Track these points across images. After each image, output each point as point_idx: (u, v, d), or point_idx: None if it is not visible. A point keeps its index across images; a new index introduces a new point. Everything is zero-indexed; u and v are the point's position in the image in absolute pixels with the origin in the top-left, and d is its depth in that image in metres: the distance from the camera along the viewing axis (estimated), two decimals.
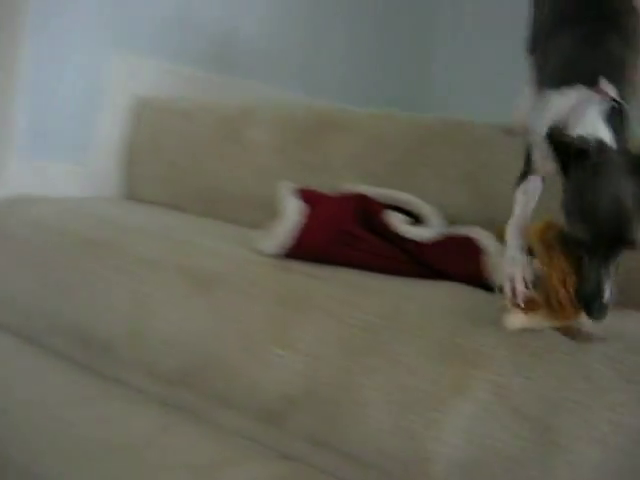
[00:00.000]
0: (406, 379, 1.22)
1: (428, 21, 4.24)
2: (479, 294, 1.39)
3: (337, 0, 3.59)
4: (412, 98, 3.86)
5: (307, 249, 1.50)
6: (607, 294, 1.04)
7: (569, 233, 1.09)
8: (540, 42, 1.49)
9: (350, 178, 1.94)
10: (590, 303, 1.05)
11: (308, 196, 1.64)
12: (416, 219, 1.67)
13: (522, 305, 1.17)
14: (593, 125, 1.12)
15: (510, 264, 1.23)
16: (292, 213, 1.51)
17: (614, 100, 1.16)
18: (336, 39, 3.62)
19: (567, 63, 1.30)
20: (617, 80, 1.21)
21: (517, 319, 1.17)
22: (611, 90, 1.18)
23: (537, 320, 1.17)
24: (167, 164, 2.39)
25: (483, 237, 1.54)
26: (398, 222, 1.56)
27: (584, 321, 1.15)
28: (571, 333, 1.17)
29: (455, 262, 1.51)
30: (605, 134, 1.11)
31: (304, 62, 3.43)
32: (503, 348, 1.16)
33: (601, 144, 1.09)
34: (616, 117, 1.15)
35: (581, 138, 1.09)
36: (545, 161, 1.21)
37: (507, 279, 1.21)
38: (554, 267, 1.14)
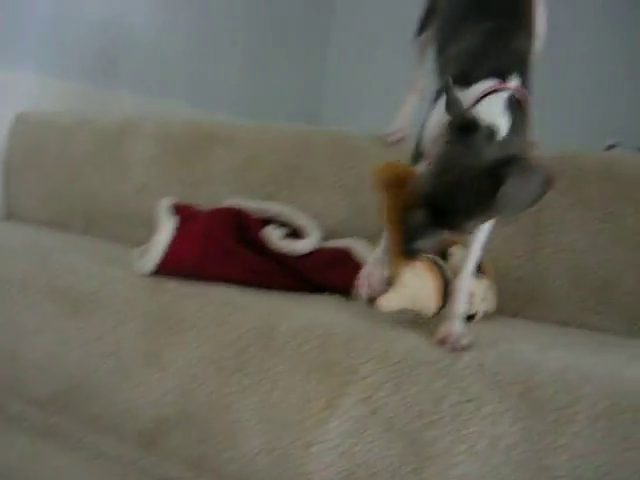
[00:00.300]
0: (280, 398, 1.20)
1: (321, 35, 4.26)
2: (355, 307, 1.38)
3: (227, 11, 3.57)
4: (303, 111, 3.87)
5: (178, 266, 1.47)
6: (423, 244, 1.15)
7: (416, 184, 1.15)
8: (440, 41, 1.49)
9: (230, 192, 1.93)
10: (406, 243, 1.16)
11: (185, 212, 1.61)
12: (295, 231, 1.65)
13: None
14: (493, 113, 1.15)
15: (372, 263, 1.32)
16: (166, 230, 1.48)
17: (516, 93, 1.19)
18: (226, 51, 3.60)
19: (474, 59, 1.31)
20: (523, 74, 1.24)
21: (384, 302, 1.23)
22: (516, 84, 1.21)
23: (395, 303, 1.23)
24: (47, 181, 2.32)
25: (361, 248, 1.54)
26: (275, 236, 1.55)
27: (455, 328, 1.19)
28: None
29: (333, 274, 1.50)
30: (502, 122, 1.13)
31: (193, 74, 3.39)
32: (376, 363, 1.15)
33: (490, 128, 1.11)
34: (517, 109, 1.17)
35: (474, 118, 1.10)
36: (434, 149, 1.21)
37: (365, 276, 1.29)
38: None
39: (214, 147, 2.03)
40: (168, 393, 1.32)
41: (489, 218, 1.20)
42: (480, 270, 1.43)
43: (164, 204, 1.62)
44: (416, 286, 1.26)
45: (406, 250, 1.18)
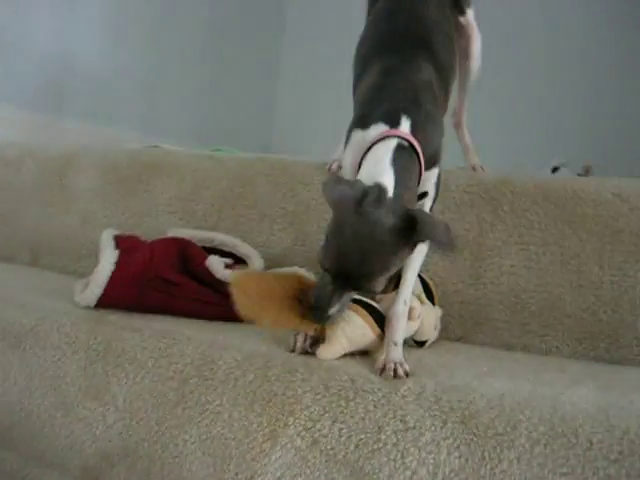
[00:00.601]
0: (221, 430, 1.19)
1: (271, 67, 4.29)
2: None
3: (177, 42, 3.58)
4: (254, 141, 3.88)
5: (120, 298, 1.46)
6: (334, 310, 1.19)
7: (319, 257, 1.21)
8: (355, 76, 1.52)
9: (175, 222, 1.92)
10: (315, 309, 1.21)
11: (127, 243, 1.60)
12: (239, 260, 1.65)
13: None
14: (379, 170, 1.20)
15: None
16: (106, 262, 1.47)
17: (404, 138, 1.23)
18: (176, 81, 3.60)
19: (371, 98, 1.36)
20: (416, 113, 1.28)
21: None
22: (405, 127, 1.25)
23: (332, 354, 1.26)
24: None
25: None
26: (217, 266, 1.54)
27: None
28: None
29: None
30: (388, 179, 1.19)
31: (143, 104, 3.39)
32: (316, 394, 1.15)
33: (375, 191, 1.16)
34: (404, 157, 1.22)
35: (347, 188, 1.17)
36: None
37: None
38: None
39: (158, 177, 2.03)
40: (111, 427, 1.30)
41: (392, 273, 1.21)
42: (432, 299, 1.45)
43: (106, 236, 1.61)
44: (347, 330, 1.27)
45: (319, 318, 1.22)
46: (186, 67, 3.66)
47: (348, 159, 1.34)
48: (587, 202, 1.55)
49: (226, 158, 2.02)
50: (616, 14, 3.48)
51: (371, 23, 1.56)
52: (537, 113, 3.60)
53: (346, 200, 1.16)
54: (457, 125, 1.85)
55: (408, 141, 1.24)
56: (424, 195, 1.34)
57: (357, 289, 1.21)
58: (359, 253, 1.15)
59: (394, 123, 1.26)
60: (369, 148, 1.25)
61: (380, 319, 1.30)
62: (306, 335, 1.27)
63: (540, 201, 1.58)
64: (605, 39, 3.49)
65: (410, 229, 1.14)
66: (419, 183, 1.28)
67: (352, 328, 1.27)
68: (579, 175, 2.80)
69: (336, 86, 3.90)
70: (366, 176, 1.20)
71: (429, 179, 1.33)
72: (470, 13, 1.69)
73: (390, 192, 1.18)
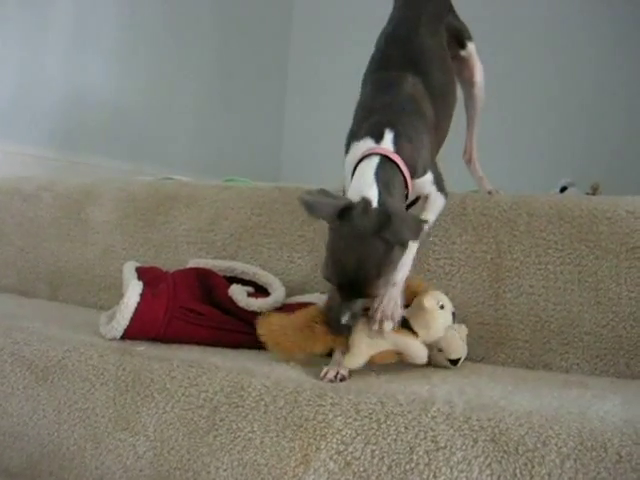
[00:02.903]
0: (253, 456, 1.20)
1: (278, 95, 4.33)
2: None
3: (184, 75, 3.61)
4: (262, 170, 3.90)
5: (146, 329, 1.48)
6: (346, 318, 1.29)
7: (322, 271, 1.33)
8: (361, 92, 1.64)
9: (194, 252, 1.94)
10: (331, 322, 1.31)
11: (150, 274, 1.62)
12: (260, 288, 1.67)
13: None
14: (364, 184, 1.33)
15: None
16: (132, 294, 1.49)
17: (386, 155, 1.36)
18: (188, 112, 3.64)
19: (362, 113, 1.51)
20: (398, 125, 1.41)
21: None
22: (388, 139, 1.38)
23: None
24: (9, 248, 2.32)
25: (320, 302, 1.56)
26: (241, 295, 1.56)
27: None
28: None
29: None
30: (373, 193, 1.31)
31: (154, 137, 3.42)
32: (347, 417, 1.16)
33: (361, 204, 1.29)
34: (385, 170, 1.35)
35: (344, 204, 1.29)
36: None
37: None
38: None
39: (176, 208, 2.05)
40: (142, 457, 1.31)
41: (392, 273, 1.33)
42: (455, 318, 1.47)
43: (128, 268, 1.63)
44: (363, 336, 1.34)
45: (335, 329, 1.33)
46: (195, 100, 3.70)
47: (348, 167, 1.45)
48: (602, 220, 1.57)
49: (243, 188, 2.04)
50: (623, 34, 3.51)
51: (375, 47, 1.68)
52: (543, 133, 3.63)
53: (329, 212, 1.29)
54: (469, 161, 1.91)
55: (389, 157, 1.36)
56: (416, 200, 1.50)
57: (361, 296, 1.31)
58: (354, 262, 1.27)
59: (378, 137, 1.39)
60: (357, 164, 1.39)
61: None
62: (337, 372, 1.30)
63: (556, 221, 1.60)
64: (611, 57, 3.51)
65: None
66: (408, 191, 1.41)
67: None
68: (587, 194, 2.82)
69: (343, 115, 3.96)
70: (353, 191, 1.34)
71: (424, 184, 1.48)
72: (471, 46, 1.80)
73: (375, 203, 1.30)
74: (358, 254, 1.26)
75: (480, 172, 1.89)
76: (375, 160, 1.36)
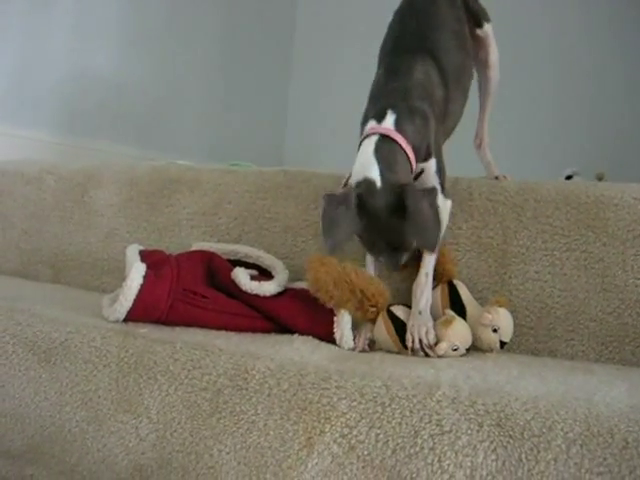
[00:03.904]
0: (257, 439, 1.20)
1: (285, 80, 4.31)
2: (326, 346, 1.40)
3: (192, 58, 3.60)
4: (265, 154, 3.89)
5: (149, 312, 1.47)
6: (395, 263, 1.45)
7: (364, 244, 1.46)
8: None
9: (198, 236, 1.94)
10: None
11: (153, 258, 1.61)
12: (264, 271, 1.66)
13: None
14: (365, 163, 1.38)
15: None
16: (135, 277, 1.48)
17: (385, 133, 1.40)
18: (192, 97, 3.62)
19: (372, 99, 1.53)
20: (402, 108, 1.43)
21: None
22: (389, 121, 1.41)
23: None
24: (12, 231, 2.32)
25: None
26: (244, 278, 1.55)
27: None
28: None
29: (302, 316, 1.51)
30: (374, 172, 1.36)
31: (157, 121, 3.41)
32: (351, 401, 1.16)
33: (364, 184, 1.37)
34: (384, 147, 1.39)
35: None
36: None
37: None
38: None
39: (180, 192, 2.04)
40: (144, 440, 1.30)
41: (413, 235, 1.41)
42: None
43: (131, 251, 1.62)
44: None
45: (394, 268, 1.49)
46: (199, 85, 3.69)
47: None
48: (609, 207, 1.56)
49: (247, 172, 2.03)
50: (625, 24, 3.49)
51: (388, 26, 1.68)
52: (548, 122, 3.61)
53: (338, 206, 1.37)
54: (479, 146, 1.89)
55: (388, 135, 1.39)
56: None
57: (399, 249, 1.43)
58: (385, 234, 1.39)
59: (380, 119, 1.42)
60: (359, 145, 1.43)
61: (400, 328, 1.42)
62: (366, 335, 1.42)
63: (562, 207, 1.59)
64: (616, 45, 3.50)
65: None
66: (413, 172, 1.44)
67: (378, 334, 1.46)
68: None
69: (346, 100, 3.95)
70: (356, 171, 1.40)
71: (428, 170, 1.49)
72: (488, 26, 1.76)
73: (378, 182, 1.36)
74: (385, 228, 1.38)
75: (489, 158, 1.87)
76: (374, 139, 1.41)
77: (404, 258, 1.45)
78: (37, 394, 1.44)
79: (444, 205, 1.50)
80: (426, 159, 1.47)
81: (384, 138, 1.40)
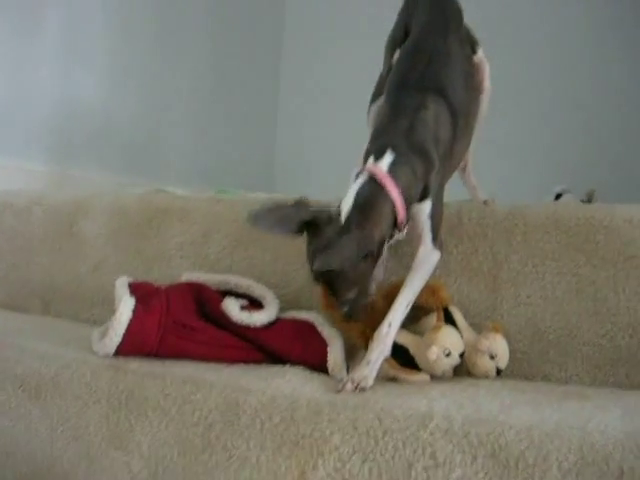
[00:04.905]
0: (250, 475, 1.20)
1: (271, 103, 4.33)
2: (318, 378, 1.39)
3: (176, 85, 3.61)
4: (256, 180, 3.89)
5: (139, 346, 1.46)
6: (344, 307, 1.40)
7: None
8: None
9: (187, 265, 1.93)
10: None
11: (142, 290, 1.60)
12: (255, 301, 1.65)
13: None
14: (346, 199, 1.36)
15: None
16: (124, 311, 1.47)
17: (375, 176, 1.38)
18: (177, 123, 3.63)
19: (376, 134, 1.51)
20: (401, 149, 1.41)
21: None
22: (386, 162, 1.39)
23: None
24: (0, 263, 2.30)
25: (319, 322, 1.56)
26: (234, 309, 1.54)
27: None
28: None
29: (294, 345, 1.50)
30: (345, 207, 1.34)
31: (147, 148, 3.41)
32: (346, 434, 1.15)
33: (328, 216, 1.34)
34: (369, 192, 1.37)
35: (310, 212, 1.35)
36: None
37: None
38: None
39: (169, 222, 2.03)
40: (136, 477, 1.30)
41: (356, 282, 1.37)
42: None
43: (120, 283, 1.61)
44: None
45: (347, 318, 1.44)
46: (187, 111, 3.69)
47: None
48: (599, 229, 1.56)
49: (236, 201, 2.03)
50: (617, 44, 3.51)
51: (396, 61, 1.66)
52: (539, 139, 3.62)
53: (289, 223, 1.34)
54: (463, 170, 1.84)
55: (378, 178, 1.37)
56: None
57: (337, 296, 1.38)
58: (318, 273, 1.34)
59: (378, 157, 1.40)
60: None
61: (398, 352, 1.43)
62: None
63: (552, 230, 1.58)
64: (606, 64, 3.51)
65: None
66: (398, 216, 1.39)
67: None
68: (582, 201, 2.82)
69: (339, 121, 3.97)
70: (342, 203, 1.36)
71: (420, 212, 1.45)
72: (481, 51, 1.74)
73: (342, 217, 1.33)
74: (320, 270, 1.31)
75: (474, 182, 1.84)
76: (363, 178, 1.40)
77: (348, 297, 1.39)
78: (28, 430, 1.43)
79: (428, 257, 1.46)
80: (421, 200, 1.44)
81: (372, 180, 1.38)
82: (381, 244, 1.38)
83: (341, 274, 1.32)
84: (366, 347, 1.40)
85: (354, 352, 1.49)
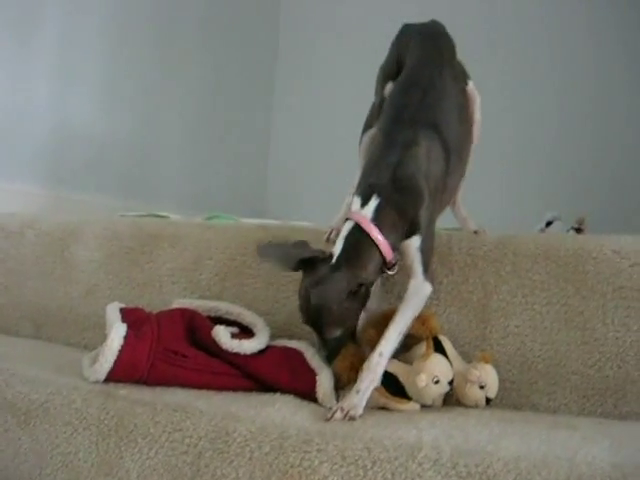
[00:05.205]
0: None
1: (265, 131, 4.35)
2: (308, 407, 1.39)
3: (173, 109, 3.62)
4: (248, 206, 3.90)
5: (130, 372, 1.46)
6: (322, 353, 1.49)
7: None
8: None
9: (179, 291, 1.93)
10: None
11: (134, 316, 1.61)
12: (245, 328, 1.66)
13: None
14: (337, 243, 1.44)
15: None
16: (115, 337, 1.47)
17: (360, 223, 1.43)
18: (170, 150, 3.64)
19: (367, 169, 1.55)
20: (387, 192, 1.45)
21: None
22: (371, 207, 1.44)
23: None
24: None
25: (308, 350, 1.56)
26: (224, 337, 1.54)
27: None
28: None
29: (283, 374, 1.50)
30: (336, 250, 1.42)
31: (140, 172, 3.42)
32: (334, 464, 1.16)
33: (322, 257, 1.42)
34: (354, 236, 1.43)
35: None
36: None
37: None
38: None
39: (161, 248, 2.03)
40: None
41: (345, 323, 1.44)
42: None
43: (112, 309, 1.62)
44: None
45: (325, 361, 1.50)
46: (181, 136, 3.70)
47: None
48: (588, 260, 1.57)
49: (228, 227, 2.03)
50: (606, 73, 3.54)
51: (390, 95, 1.68)
52: (530, 166, 3.64)
53: (290, 260, 1.45)
54: (453, 203, 1.83)
55: (362, 226, 1.42)
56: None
57: (321, 336, 1.45)
58: (308, 308, 1.42)
59: (364, 202, 1.45)
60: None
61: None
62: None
63: (541, 261, 1.60)
64: (598, 92, 3.54)
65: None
66: (386, 259, 1.44)
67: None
68: (573, 228, 2.83)
69: (327, 152, 3.99)
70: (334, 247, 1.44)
71: (409, 247, 1.48)
72: (471, 83, 1.76)
73: (334, 259, 1.41)
74: (310, 302, 1.40)
75: (464, 213, 1.84)
76: (349, 225, 1.46)
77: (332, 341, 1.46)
78: (17, 456, 1.43)
79: (419, 290, 1.48)
80: (409, 236, 1.47)
81: (358, 228, 1.43)
82: (369, 284, 1.44)
83: (329, 311, 1.39)
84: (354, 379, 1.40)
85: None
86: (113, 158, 3.25)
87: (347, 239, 1.43)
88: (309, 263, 1.43)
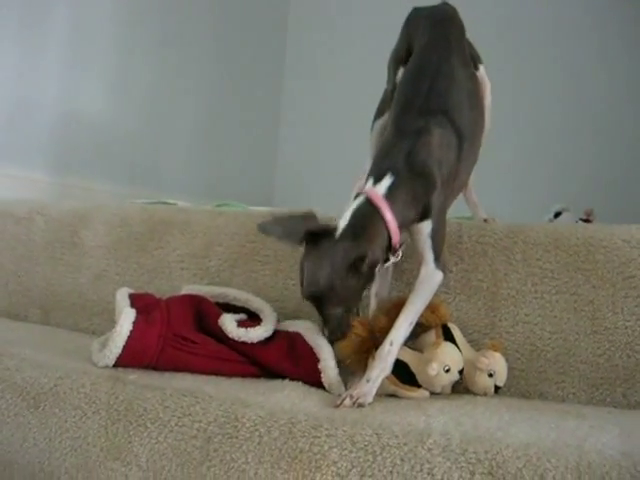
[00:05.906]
0: None
1: (275, 120, 4.34)
2: (317, 393, 1.40)
3: (182, 97, 3.62)
4: (255, 194, 3.90)
5: (139, 357, 1.47)
6: (326, 332, 1.46)
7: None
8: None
9: (188, 277, 1.93)
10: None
11: (143, 301, 1.61)
12: (253, 314, 1.66)
13: None
14: (344, 217, 1.41)
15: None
16: (124, 322, 1.47)
17: (371, 198, 1.41)
18: (178, 137, 3.64)
19: (379, 155, 1.53)
20: (401, 172, 1.43)
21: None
22: (384, 185, 1.42)
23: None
24: (1, 271, 2.31)
25: (313, 333, 1.56)
26: (230, 325, 1.54)
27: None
28: None
29: (288, 361, 1.51)
30: (342, 223, 1.39)
31: (148, 160, 3.42)
32: (342, 449, 1.15)
33: (327, 230, 1.38)
34: (363, 213, 1.41)
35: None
36: None
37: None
38: None
39: (170, 234, 2.04)
40: None
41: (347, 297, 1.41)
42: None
43: (121, 295, 1.62)
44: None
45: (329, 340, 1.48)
46: (190, 124, 3.71)
47: None
48: (598, 249, 1.56)
49: (238, 214, 2.04)
50: (614, 65, 3.53)
51: (400, 82, 1.67)
52: (539, 157, 3.63)
53: (296, 234, 1.41)
54: (465, 188, 1.82)
55: (373, 201, 1.40)
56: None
57: (322, 312, 1.42)
58: (308, 281, 1.40)
59: (377, 180, 1.43)
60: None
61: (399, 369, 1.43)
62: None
63: (552, 249, 1.59)
64: (605, 84, 3.53)
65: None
66: (392, 239, 1.41)
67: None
68: (581, 220, 2.83)
69: (335, 140, 3.99)
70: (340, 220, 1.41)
71: (419, 231, 1.46)
72: (482, 68, 1.75)
73: (338, 233, 1.37)
74: (309, 275, 1.39)
75: (475, 199, 1.85)
76: (360, 199, 1.43)
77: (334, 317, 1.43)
78: (26, 440, 1.43)
79: (430, 278, 1.46)
80: (421, 220, 1.45)
81: (368, 202, 1.41)
82: (373, 262, 1.40)
83: (329, 283, 1.36)
84: (365, 366, 1.41)
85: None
86: (122, 146, 3.26)
87: (355, 213, 1.41)
88: (315, 236, 1.39)
